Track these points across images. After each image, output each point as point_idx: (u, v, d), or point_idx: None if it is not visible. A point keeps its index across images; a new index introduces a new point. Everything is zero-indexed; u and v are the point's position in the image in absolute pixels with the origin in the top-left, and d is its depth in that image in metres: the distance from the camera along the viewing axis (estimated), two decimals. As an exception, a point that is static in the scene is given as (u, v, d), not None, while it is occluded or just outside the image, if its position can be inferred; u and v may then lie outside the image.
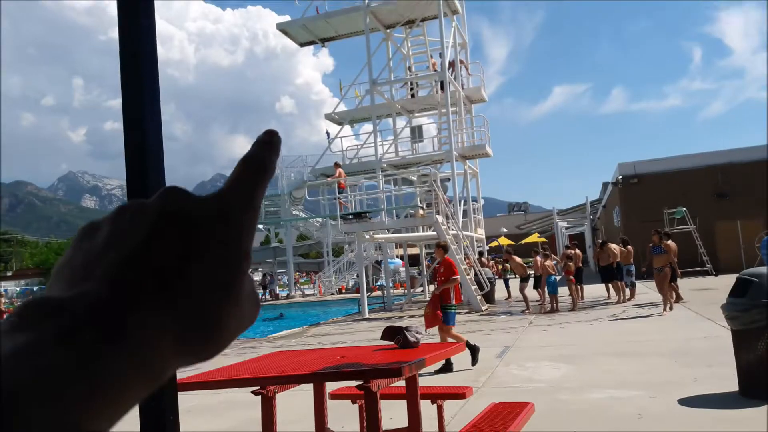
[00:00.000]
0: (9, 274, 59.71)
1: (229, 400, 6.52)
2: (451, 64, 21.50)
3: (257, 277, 39.08)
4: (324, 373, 3.64)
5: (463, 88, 22.47)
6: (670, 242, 13.18)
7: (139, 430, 0.84)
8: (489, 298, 16.48)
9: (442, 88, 20.72)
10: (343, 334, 12.44)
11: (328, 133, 23.82)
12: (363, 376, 3.46)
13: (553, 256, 15.58)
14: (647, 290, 16.67)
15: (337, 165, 20.83)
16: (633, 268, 14.63)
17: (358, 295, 17.80)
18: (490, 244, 31.09)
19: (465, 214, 21.12)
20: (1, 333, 0.23)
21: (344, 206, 19.35)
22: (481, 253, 20.37)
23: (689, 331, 9.07)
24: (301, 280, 38.09)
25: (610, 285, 15.25)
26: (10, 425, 0.19)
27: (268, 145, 0.30)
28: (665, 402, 5.09)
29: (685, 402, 5.04)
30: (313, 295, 29.72)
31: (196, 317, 0.24)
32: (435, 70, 21.93)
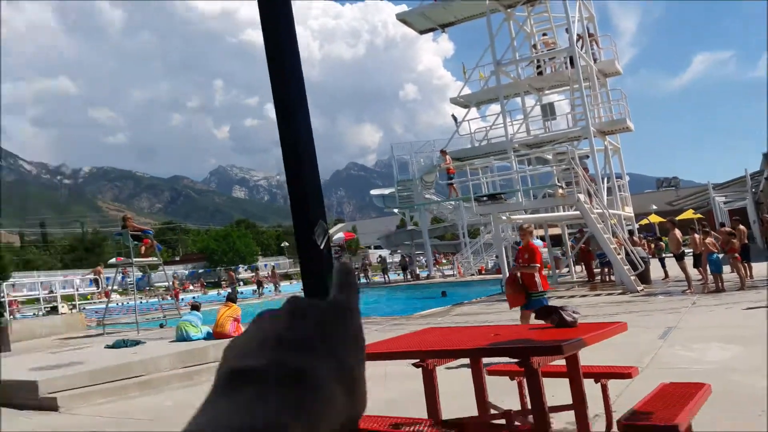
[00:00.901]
0: (177, 258, 66.37)
1: (383, 373, 6.80)
2: (580, 38, 20.47)
3: (396, 258, 39.99)
4: (484, 349, 3.68)
5: (594, 61, 21.29)
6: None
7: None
8: (644, 278, 15.51)
9: (572, 63, 19.78)
10: (489, 314, 12.42)
11: (454, 117, 23.69)
12: (523, 353, 3.47)
13: (712, 232, 14.38)
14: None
15: (443, 152, 21.35)
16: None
17: (500, 276, 17.63)
18: (639, 223, 29.29)
19: (609, 191, 20.07)
20: (211, 399, 0.31)
21: (456, 190, 20.13)
22: (631, 232, 19.27)
23: None
24: (443, 261, 38.41)
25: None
26: None
27: (349, 272, 0.42)
28: None
29: None
30: (453, 275, 29.88)
31: (346, 372, 0.35)
32: (550, 49, 21.03)
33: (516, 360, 3.55)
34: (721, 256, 13.04)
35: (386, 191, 36.15)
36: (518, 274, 7.40)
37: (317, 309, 0.37)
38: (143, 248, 16.43)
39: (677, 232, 14.47)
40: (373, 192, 40.18)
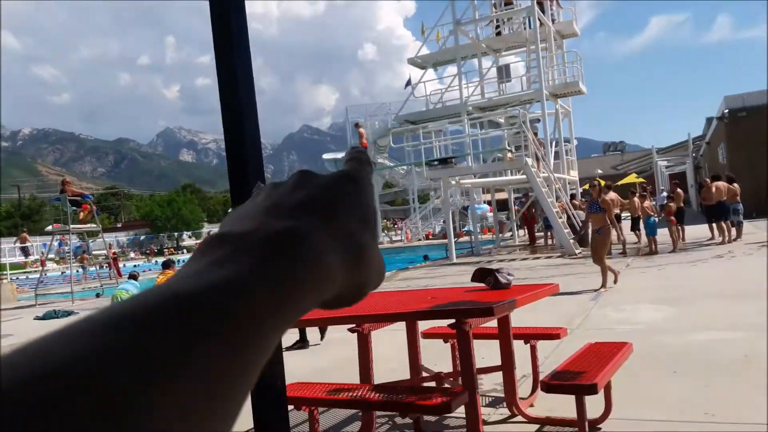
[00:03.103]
0: (119, 225, 64.47)
1: (326, 339, 6.80)
2: None
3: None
4: (417, 312, 3.69)
5: (553, 22, 21.36)
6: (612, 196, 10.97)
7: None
8: (583, 241, 15.97)
9: (531, 24, 19.87)
10: (433, 278, 12.57)
11: (409, 81, 23.58)
12: (455, 315, 3.48)
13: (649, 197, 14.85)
14: (755, 230, 15.60)
15: (357, 125, 22.23)
16: (740, 206, 13.76)
17: (446, 240, 17.83)
18: (583, 186, 30.04)
19: (557, 155, 20.42)
20: (185, 266, 0.28)
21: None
22: (573, 196, 19.73)
23: (805, 272, 8.43)
24: (390, 225, 38.57)
25: (714, 225, 14.44)
26: (186, 329, 0.22)
27: (363, 153, 0.40)
28: (776, 344, 4.80)
29: (799, 345, 4.73)
30: (401, 241, 30.10)
31: (348, 238, 0.31)
32: (508, 3, 20.98)
33: (449, 322, 3.58)
34: (657, 219, 13.52)
35: (339, 155, 35.76)
36: None
37: (323, 176, 0.34)
38: (82, 214, 15.87)
39: (611, 195, 15.02)
40: (326, 156, 39.61)
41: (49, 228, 17.49)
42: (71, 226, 15.27)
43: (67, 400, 0.18)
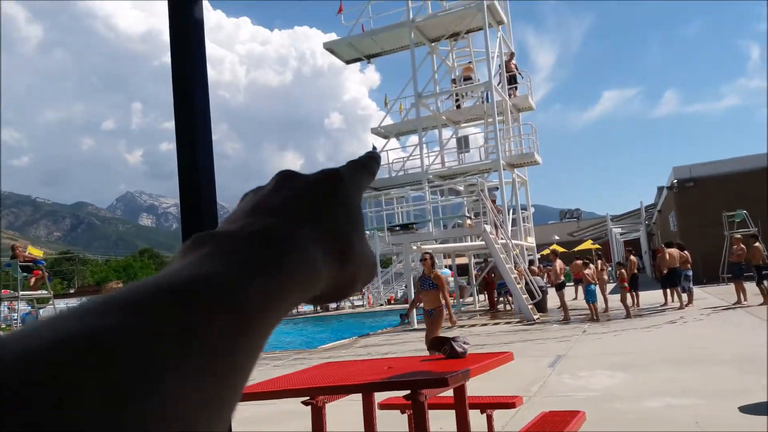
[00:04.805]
0: (71, 291, 62.32)
1: (282, 410, 6.63)
2: (509, 62, 21.58)
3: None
4: (372, 384, 3.68)
5: (510, 97, 22.35)
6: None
7: None
8: (541, 306, 16.21)
9: (488, 98, 20.77)
10: (393, 345, 12.47)
11: (374, 147, 24.09)
12: (410, 386, 3.48)
13: (596, 264, 15.18)
14: (706, 296, 16.08)
15: None
16: (690, 273, 14.21)
17: (407, 305, 17.76)
18: (541, 253, 30.60)
19: (515, 222, 20.89)
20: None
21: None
22: (531, 262, 20.09)
23: (752, 337, 8.71)
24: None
25: (668, 290, 14.83)
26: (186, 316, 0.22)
27: (372, 157, 0.40)
28: (725, 410, 4.91)
29: (746, 410, 4.86)
30: (362, 306, 29.84)
31: (331, 233, 0.32)
32: (468, 74, 21.93)
33: (405, 393, 3.57)
34: (612, 285, 13.84)
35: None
36: None
37: (305, 176, 0.35)
38: (33, 280, 15.36)
39: (558, 263, 15.40)
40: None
41: (-3, 295, 16.85)
42: (20, 292, 14.74)
43: (70, 376, 0.17)
